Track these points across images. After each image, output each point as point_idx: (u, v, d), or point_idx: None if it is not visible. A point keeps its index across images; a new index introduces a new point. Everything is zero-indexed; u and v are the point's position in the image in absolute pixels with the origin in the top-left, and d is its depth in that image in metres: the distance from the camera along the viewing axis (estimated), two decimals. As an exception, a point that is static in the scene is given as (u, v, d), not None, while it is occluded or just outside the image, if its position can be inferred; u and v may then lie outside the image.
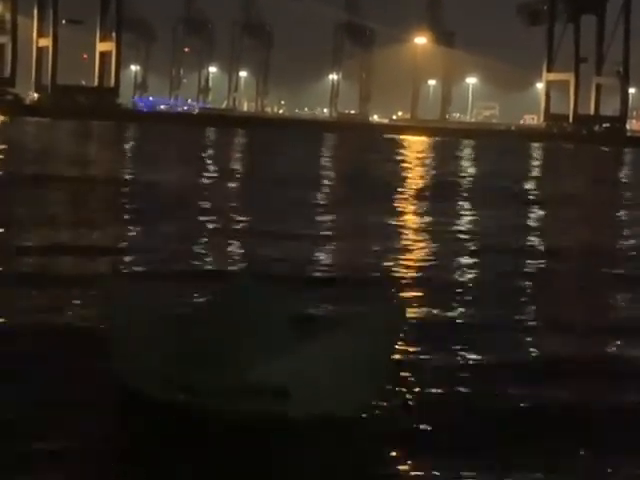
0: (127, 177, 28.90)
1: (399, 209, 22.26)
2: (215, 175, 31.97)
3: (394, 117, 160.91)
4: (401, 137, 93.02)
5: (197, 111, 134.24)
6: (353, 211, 21.35)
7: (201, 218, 18.27)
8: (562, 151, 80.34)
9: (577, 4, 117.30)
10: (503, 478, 5.99)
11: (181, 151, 47.65)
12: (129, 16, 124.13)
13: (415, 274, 12.92)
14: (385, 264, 13.56)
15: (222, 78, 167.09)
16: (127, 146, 53.86)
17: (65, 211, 19.53)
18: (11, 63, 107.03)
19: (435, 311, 10.32)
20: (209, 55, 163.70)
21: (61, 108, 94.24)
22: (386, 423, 6.77)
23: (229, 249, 14.68)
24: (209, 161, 41.60)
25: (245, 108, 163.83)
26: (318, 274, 12.66)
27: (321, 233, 17.13)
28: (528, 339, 9.31)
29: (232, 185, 28.41)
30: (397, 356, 7.75)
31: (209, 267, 12.84)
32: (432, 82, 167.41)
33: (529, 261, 14.66)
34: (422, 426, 6.72)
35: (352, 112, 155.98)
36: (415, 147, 72.76)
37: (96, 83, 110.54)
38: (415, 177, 35.86)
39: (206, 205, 21.09)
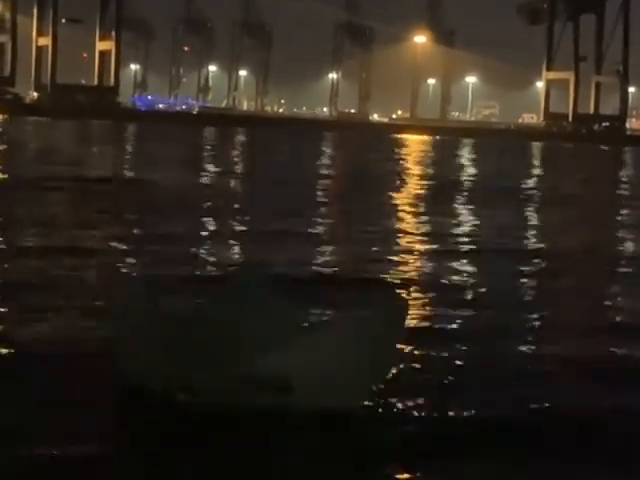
0: (127, 177, 28.89)
1: (399, 209, 22.25)
2: (214, 175, 31.96)
3: (394, 116, 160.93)
4: (401, 136, 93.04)
5: (197, 110, 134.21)
6: (353, 211, 21.35)
7: (201, 218, 18.26)
8: (561, 150, 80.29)
9: (577, 3, 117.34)
10: (503, 478, 6.01)
11: (180, 150, 47.62)
12: (129, 15, 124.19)
13: (415, 274, 12.91)
14: (385, 264, 13.55)
15: (222, 77, 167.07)
16: (126, 146, 53.84)
17: (65, 211, 19.51)
18: (11, 62, 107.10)
19: (435, 311, 10.32)
20: (209, 54, 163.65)
21: (61, 107, 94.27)
22: (386, 419, 6.78)
23: (229, 249, 14.67)
24: (208, 160, 41.58)
25: (245, 107, 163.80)
26: (318, 274, 12.64)
27: (321, 233, 17.12)
28: (528, 339, 9.31)
29: (231, 185, 28.41)
30: (399, 352, 7.75)
31: (209, 267, 12.83)
32: (432, 81, 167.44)
33: (529, 261, 14.65)
34: (422, 425, 6.73)
35: (352, 111, 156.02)
36: (415, 146, 72.77)
37: (96, 82, 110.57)
38: (415, 176, 35.84)
39: (206, 205, 21.09)
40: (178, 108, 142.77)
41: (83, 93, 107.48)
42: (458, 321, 9.96)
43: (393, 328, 6.87)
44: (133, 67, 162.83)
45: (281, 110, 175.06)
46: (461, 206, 23.74)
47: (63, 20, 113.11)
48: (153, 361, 6.79)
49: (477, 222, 20.02)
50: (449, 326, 9.71)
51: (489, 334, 9.36)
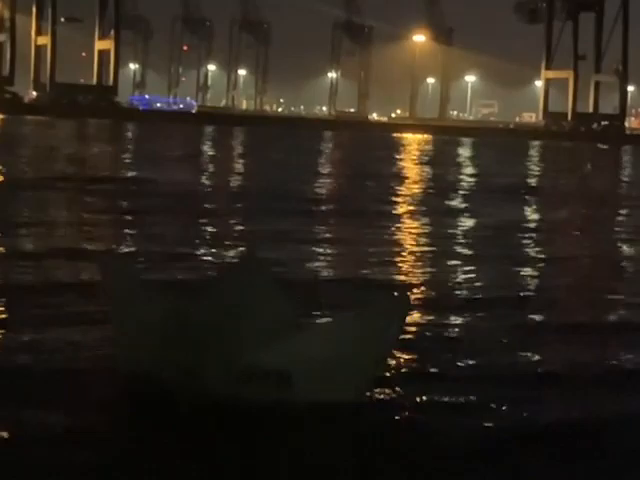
0: (127, 177, 28.88)
1: (399, 208, 22.26)
2: (214, 174, 31.96)
3: (393, 115, 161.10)
4: (400, 135, 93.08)
5: (196, 109, 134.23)
6: (353, 211, 21.34)
7: (200, 219, 18.23)
8: (560, 149, 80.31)
9: (575, 1, 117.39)
10: (503, 478, 6.01)
11: (179, 150, 47.63)
12: (128, 14, 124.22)
13: (415, 274, 12.91)
14: (385, 265, 13.55)
15: (221, 76, 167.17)
16: (126, 145, 53.84)
17: (63, 212, 19.52)
18: (10, 61, 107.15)
19: (435, 311, 10.32)
20: (208, 53, 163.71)
21: (60, 106, 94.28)
22: (386, 413, 6.79)
23: (229, 250, 14.66)
24: (207, 160, 41.60)
25: (244, 106, 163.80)
26: (318, 274, 12.65)
27: (321, 233, 17.12)
28: (529, 340, 9.31)
29: (231, 184, 28.42)
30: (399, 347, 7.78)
31: (208, 268, 12.83)
32: (431, 80, 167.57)
33: (529, 261, 14.66)
34: (422, 421, 6.74)
35: (351, 110, 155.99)
36: (414, 145, 72.79)
37: (95, 81, 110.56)
38: (414, 175, 35.85)
39: (205, 205, 21.08)
40: (176, 107, 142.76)
41: (82, 92, 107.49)
42: (458, 321, 9.97)
43: (394, 322, 6.88)
44: (132, 66, 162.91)
45: (280, 109, 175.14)
46: (461, 205, 23.75)
47: (62, 19, 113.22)
48: (154, 346, 6.76)
49: (477, 221, 20.03)
50: (449, 326, 9.72)
51: (489, 334, 9.37)
